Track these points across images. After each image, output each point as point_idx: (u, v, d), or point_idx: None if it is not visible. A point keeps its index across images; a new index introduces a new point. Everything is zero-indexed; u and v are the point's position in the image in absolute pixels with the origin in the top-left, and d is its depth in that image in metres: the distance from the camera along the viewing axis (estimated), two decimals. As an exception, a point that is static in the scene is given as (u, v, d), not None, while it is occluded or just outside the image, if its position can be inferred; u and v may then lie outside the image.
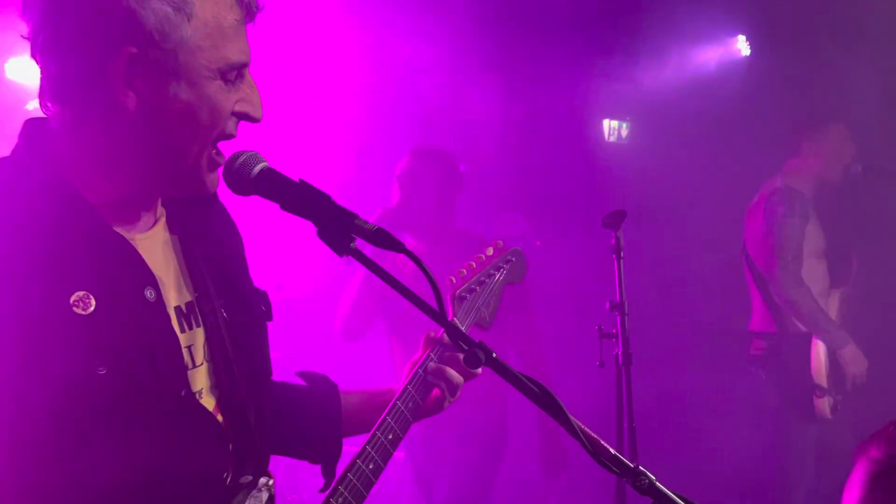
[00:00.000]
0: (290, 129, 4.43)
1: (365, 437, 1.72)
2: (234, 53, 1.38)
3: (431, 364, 1.79)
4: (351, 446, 1.76)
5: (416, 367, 1.79)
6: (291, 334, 4.22)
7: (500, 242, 2.10)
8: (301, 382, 1.82)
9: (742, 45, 5.62)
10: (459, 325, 1.89)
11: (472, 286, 1.98)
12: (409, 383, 1.76)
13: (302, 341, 4.35)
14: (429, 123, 5.32)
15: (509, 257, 2.09)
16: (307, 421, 1.75)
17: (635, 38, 5.50)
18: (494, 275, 2.04)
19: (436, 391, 1.80)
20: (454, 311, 1.93)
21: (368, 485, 1.65)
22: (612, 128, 5.98)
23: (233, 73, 1.39)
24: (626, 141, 5.98)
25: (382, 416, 1.71)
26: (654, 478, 1.32)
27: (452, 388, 1.80)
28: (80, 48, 1.31)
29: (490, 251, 2.06)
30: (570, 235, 5.07)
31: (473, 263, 2.03)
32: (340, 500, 1.61)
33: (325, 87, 4.83)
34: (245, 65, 1.41)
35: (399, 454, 4.82)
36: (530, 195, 5.75)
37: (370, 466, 1.65)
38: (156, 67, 1.32)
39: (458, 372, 1.79)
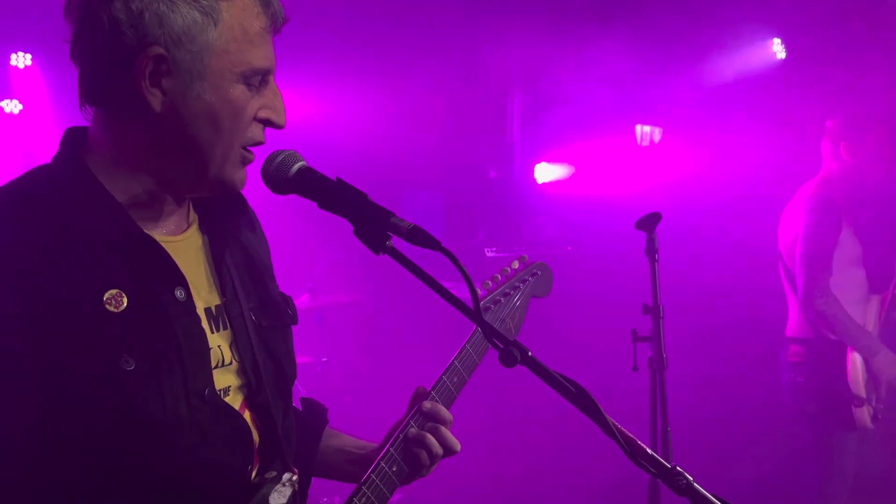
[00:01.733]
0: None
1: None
2: (257, 59, 1.41)
3: (412, 430, 1.74)
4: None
5: (397, 431, 1.74)
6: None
7: (525, 256, 2.12)
8: (298, 406, 1.80)
9: (777, 49, 5.57)
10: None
11: (497, 297, 2.00)
12: (390, 446, 1.72)
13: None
14: (456, 128, 5.34)
15: (535, 270, 2.11)
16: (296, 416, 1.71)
17: (669, 43, 5.48)
18: (520, 287, 2.06)
19: (415, 459, 1.74)
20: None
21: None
22: (644, 133, 5.96)
23: (256, 79, 1.42)
24: (659, 145, 5.95)
25: (359, 485, 1.70)
26: (692, 479, 1.31)
27: (432, 457, 1.73)
28: (110, 48, 1.36)
29: (515, 264, 2.08)
30: (604, 238, 5.05)
31: (498, 276, 2.04)
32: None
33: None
34: (269, 71, 1.44)
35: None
36: (560, 200, 5.74)
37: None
38: (181, 68, 1.36)
39: (437, 442, 1.74)
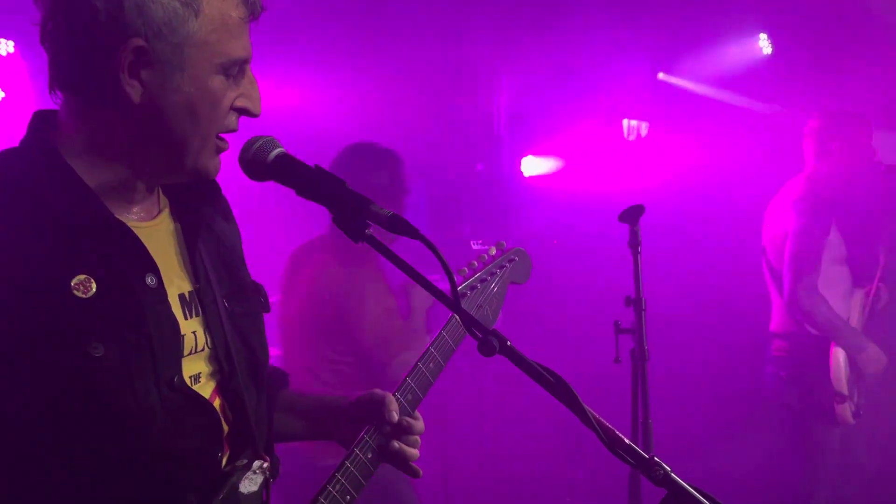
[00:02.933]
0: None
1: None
2: (236, 49, 1.40)
3: (369, 441, 1.73)
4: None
5: (357, 441, 1.72)
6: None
7: (503, 243, 2.11)
8: None
9: (764, 44, 5.58)
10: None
11: (474, 284, 1.99)
12: (356, 447, 1.71)
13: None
14: (448, 123, 5.34)
15: (513, 256, 2.10)
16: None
17: (655, 38, 5.49)
18: (497, 273, 2.05)
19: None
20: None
21: (367, 474, 1.67)
22: (631, 127, 5.97)
23: (234, 69, 1.41)
24: (645, 140, 5.97)
25: (360, 436, 1.70)
26: (669, 469, 1.31)
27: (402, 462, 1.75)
28: (89, 38, 1.34)
29: (493, 251, 2.07)
30: (587, 231, 5.06)
31: (475, 263, 2.03)
32: (338, 486, 1.64)
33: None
34: (246, 60, 1.44)
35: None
36: (547, 194, 5.75)
37: (368, 455, 1.67)
38: (161, 60, 1.35)
39: (397, 460, 1.74)
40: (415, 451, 1.75)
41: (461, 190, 5.57)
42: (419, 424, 1.77)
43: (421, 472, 1.76)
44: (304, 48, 4.85)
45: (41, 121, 1.45)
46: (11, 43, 4.59)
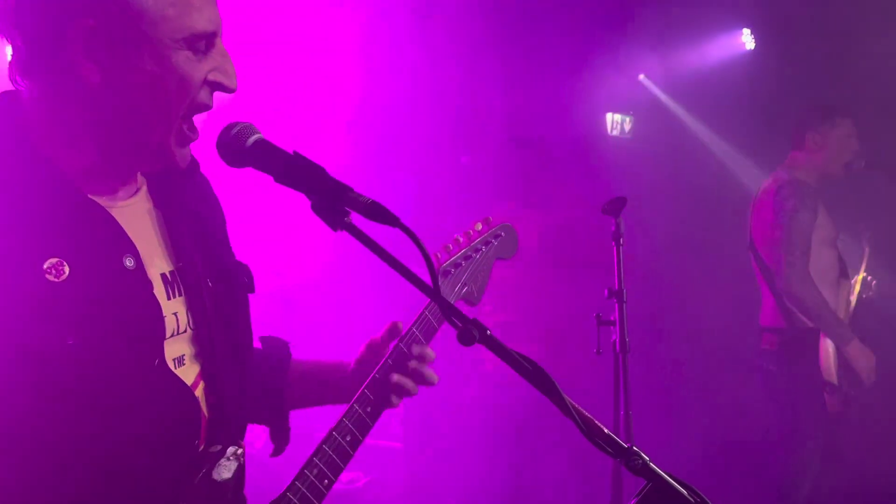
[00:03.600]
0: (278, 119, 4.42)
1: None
2: (200, 22, 1.34)
3: (390, 364, 1.75)
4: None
5: (375, 369, 1.74)
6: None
7: (490, 218, 2.06)
8: (258, 346, 1.81)
9: (747, 39, 5.60)
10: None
11: (458, 261, 1.94)
12: (366, 387, 1.72)
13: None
14: (431, 115, 5.31)
15: (499, 232, 2.04)
16: (255, 383, 1.72)
17: (640, 32, 5.49)
18: (482, 249, 2.00)
19: (388, 398, 1.76)
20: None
21: (346, 457, 1.65)
22: (615, 121, 5.97)
23: (201, 43, 1.36)
24: (629, 134, 5.97)
25: (340, 418, 1.69)
26: (647, 458, 1.30)
27: (408, 394, 1.77)
28: (39, 21, 1.31)
29: (479, 226, 2.02)
30: (570, 223, 5.07)
31: (460, 238, 1.99)
32: (315, 471, 1.60)
33: (321, 82, 4.82)
34: (215, 34, 1.38)
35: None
36: (531, 186, 5.75)
37: (347, 438, 1.64)
38: (117, 39, 1.30)
39: (414, 382, 1.76)
40: (415, 387, 1.76)
41: (445, 182, 5.55)
42: (430, 352, 1.78)
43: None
44: (289, 40, 4.82)
45: (8, 101, 1.40)
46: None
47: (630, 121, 5.99)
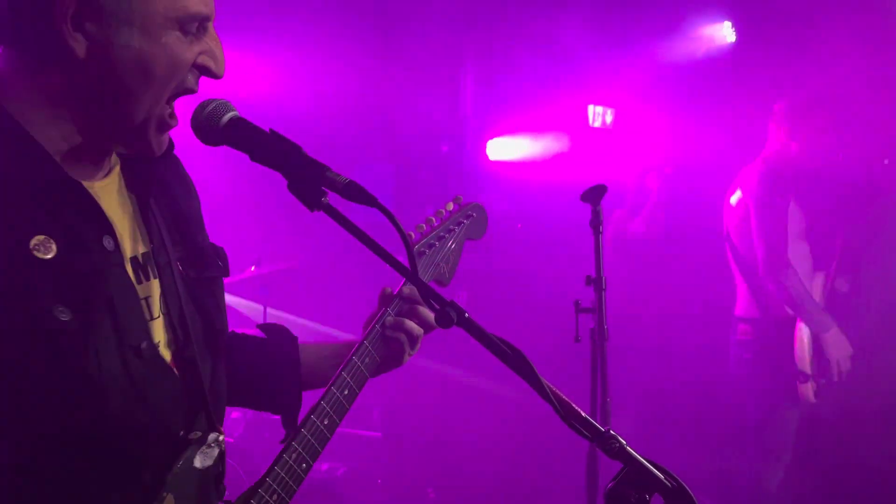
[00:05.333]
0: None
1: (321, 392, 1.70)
2: (193, 4, 1.32)
3: (389, 318, 1.75)
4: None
5: (374, 322, 1.75)
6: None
7: (460, 197, 2.05)
8: (260, 334, 1.80)
9: (727, 32, 5.61)
10: None
11: (432, 241, 1.93)
12: (365, 339, 1.72)
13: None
14: (413, 103, 5.30)
15: (470, 212, 2.03)
16: (264, 371, 1.72)
17: (621, 24, 5.50)
18: (454, 230, 1.98)
19: (395, 345, 1.77)
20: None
21: (323, 440, 1.63)
22: (596, 113, 5.98)
23: (193, 25, 1.33)
24: (610, 126, 5.98)
25: (338, 372, 1.68)
26: (624, 442, 1.31)
27: (413, 339, 1.77)
28: None
29: (450, 206, 2.01)
30: (553, 214, 5.08)
31: (433, 219, 1.97)
32: (294, 455, 1.58)
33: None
34: (207, 18, 1.35)
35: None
36: (511, 176, 5.76)
37: (325, 422, 1.63)
38: (107, 12, 1.27)
39: (417, 324, 1.77)
40: (417, 328, 1.76)
41: (426, 171, 5.55)
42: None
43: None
44: (267, 31, 4.78)
45: None
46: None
47: (612, 113, 6.01)
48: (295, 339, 1.81)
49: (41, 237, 1.26)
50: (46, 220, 1.28)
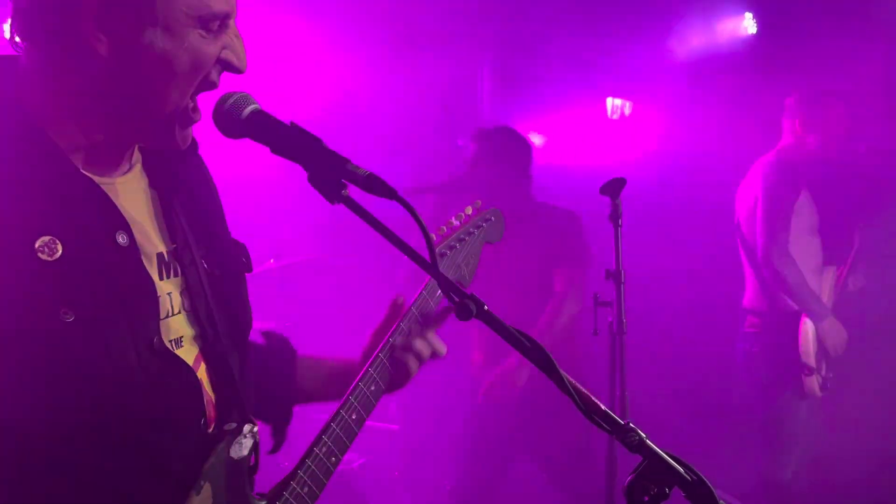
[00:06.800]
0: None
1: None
2: (217, 2, 1.32)
3: (399, 339, 1.74)
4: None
5: (380, 346, 1.74)
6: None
7: (479, 202, 2.09)
8: (261, 341, 1.80)
9: (749, 23, 5.58)
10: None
11: (452, 243, 1.97)
12: (370, 365, 1.71)
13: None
14: (430, 97, 5.31)
15: (488, 216, 2.09)
16: (257, 381, 1.70)
17: (640, 17, 5.47)
18: (474, 233, 2.03)
19: (402, 366, 1.75)
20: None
21: (351, 434, 1.64)
22: (615, 106, 5.96)
23: (215, 24, 1.33)
24: (629, 118, 5.97)
25: (346, 397, 1.68)
26: (644, 435, 1.30)
27: (418, 364, 1.75)
28: None
29: (469, 210, 2.06)
30: (567, 205, 5.07)
31: (454, 221, 2.02)
32: (324, 448, 1.59)
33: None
34: (229, 15, 1.36)
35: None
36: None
37: (353, 416, 1.64)
38: (130, 11, 1.27)
39: (423, 348, 1.75)
40: (427, 350, 1.75)
41: (442, 164, 5.55)
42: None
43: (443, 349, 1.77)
44: (284, 26, 4.80)
45: (4, 67, 1.36)
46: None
47: (630, 105, 5.99)
48: (294, 352, 1.81)
49: (46, 238, 1.26)
50: (54, 219, 1.28)
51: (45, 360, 1.24)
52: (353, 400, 1.65)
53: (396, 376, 1.75)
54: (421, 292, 1.84)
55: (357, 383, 1.67)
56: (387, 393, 1.75)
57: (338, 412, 1.63)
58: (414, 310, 1.79)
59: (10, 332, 1.23)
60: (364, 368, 1.69)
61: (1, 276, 1.23)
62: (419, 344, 1.75)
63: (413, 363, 1.75)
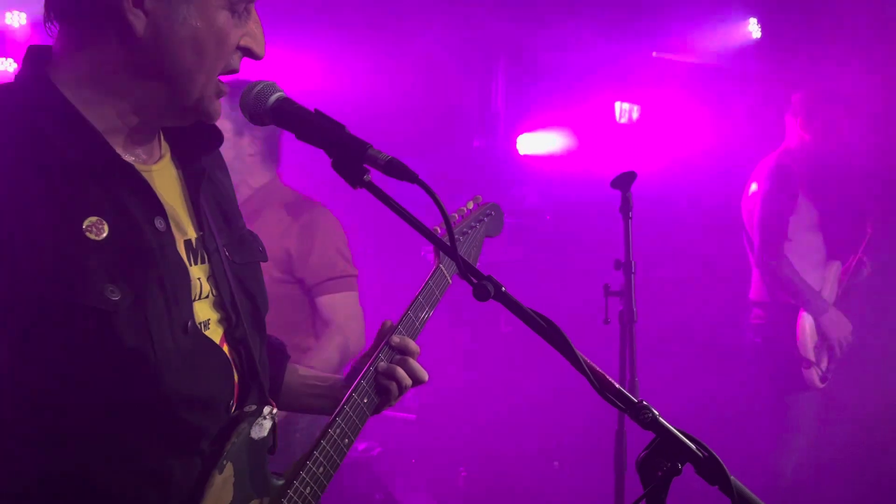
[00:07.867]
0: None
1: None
2: None
3: (382, 364, 1.71)
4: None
5: (367, 364, 1.73)
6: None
7: (479, 197, 2.12)
8: None
9: (753, 28, 5.61)
10: (445, 272, 1.88)
11: (456, 236, 2.00)
12: (362, 378, 1.69)
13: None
14: (446, 99, 5.35)
15: (489, 211, 2.12)
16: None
17: (646, 21, 5.51)
18: (476, 226, 2.06)
19: (386, 390, 1.71)
20: (439, 259, 1.92)
21: (363, 417, 1.66)
22: (623, 109, 6.00)
23: (241, 6, 1.37)
24: (637, 123, 6.00)
25: (357, 381, 1.68)
26: (657, 413, 1.30)
27: (401, 389, 1.71)
28: None
29: (470, 204, 2.09)
30: (582, 206, 5.13)
31: (456, 215, 2.05)
32: (338, 430, 1.61)
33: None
34: (252, 0, 1.39)
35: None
36: (541, 170, 5.80)
37: (365, 400, 1.67)
38: None
39: (407, 374, 1.71)
40: (407, 378, 1.71)
41: (458, 165, 5.61)
42: (414, 346, 1.74)
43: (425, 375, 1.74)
44: (299, 25, 4.84)
45: (36, 55, 1.38)
46: (24, 15, 4.56)
47: (638, 109, 6.02)
48: (286, 358, 1.81)
49: (94, 218, 1.29)
50: (100, 201, 1.31)
51: (93, 335, 1.28)
52: (364, 383, 1.68)
53: (381, 398, 1.72)
54: (426, 283, 1.86)
55: (365, 371, 1.69)
56: (373, 414, 1.73)
57: (350, 395, 1.66)
58: (394, 339, 1.74)
59: (60, 307, 1.26)
60: (332, 417, 1.67)
61: (52, 251, 1.26)
62: (399, 373, 1.71)
63: (394, 389, 1.71)
